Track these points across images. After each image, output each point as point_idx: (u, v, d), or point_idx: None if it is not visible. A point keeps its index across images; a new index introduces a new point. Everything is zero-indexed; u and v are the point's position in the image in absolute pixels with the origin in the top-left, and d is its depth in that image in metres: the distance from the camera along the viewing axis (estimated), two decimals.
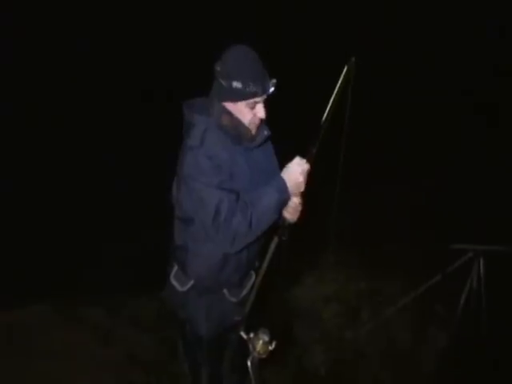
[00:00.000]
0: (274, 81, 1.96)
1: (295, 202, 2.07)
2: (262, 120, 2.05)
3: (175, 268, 2.23)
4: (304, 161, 1.99)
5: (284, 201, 1.99)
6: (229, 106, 2.00)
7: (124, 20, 6.95)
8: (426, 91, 7.19)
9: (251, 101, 1.97)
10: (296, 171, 1.98)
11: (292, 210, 2.08)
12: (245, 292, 2.28)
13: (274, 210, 1.96)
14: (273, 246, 2.07)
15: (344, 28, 7.59)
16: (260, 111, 2.01)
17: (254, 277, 2.30)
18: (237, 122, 2.01)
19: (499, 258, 3.18)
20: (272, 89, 1.96)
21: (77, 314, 3.75)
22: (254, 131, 2.07)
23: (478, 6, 7.30)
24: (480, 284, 3.17)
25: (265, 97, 1.98)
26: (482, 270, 3.16)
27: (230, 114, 2.01)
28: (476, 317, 3.18)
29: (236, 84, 1.92)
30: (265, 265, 2.07)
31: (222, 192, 1.91)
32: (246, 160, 2.06)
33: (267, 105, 2.04)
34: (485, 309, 3.15)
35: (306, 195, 2.08)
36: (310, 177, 2.01)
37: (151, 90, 6.59)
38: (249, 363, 2.04)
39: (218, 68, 1.97)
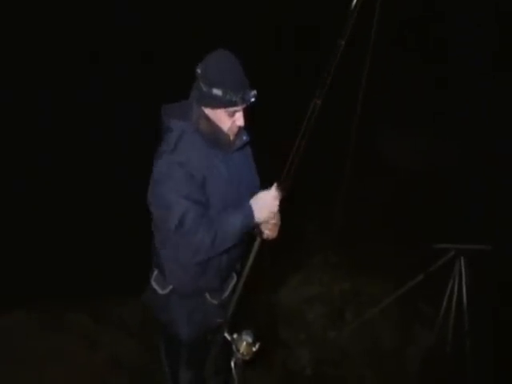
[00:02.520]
0: (255, 92, 1.97)
1: (275, 218, 2.09)
2: (240, 127, 2.06)
3: (155, 271, 2.26)
4: (275, 191, 2.00)
5: (249, 227, 2.01)
6: (208, 111, 2.01)
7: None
8: None
9: (231, 109, 1.98)
10: (265, 201, 2.00)
11: (272, 227, 2.11)
12: (226, 294, 2.29)
13: (237, 233, 1.99)
14: (256, 246, 2.08)
15: None
16: (239, 119, 2.02)
17: (235, 279, 2.32)
18: (215, 128, 2.02)
19: (481, 257, 3.23)
20: (252, 99, 1.97)
21: (62, 319, 3.72)
22: (232, 137, 2.08)
23: None
24: (462, 282, 3.21)
25: (244, 106, 1.99)
26: (463, 269, 3.20)
27: (208, 119, 2.01)
28: (458, 315, 3.21)
29: (216, 91, 1.93)
30: (247, 266, 2.08)
31: (189, 203, 1.92)
32: (224, 164, 2.07)
33: (247, 112, 2.04)
34: (467, 307, 3.18)
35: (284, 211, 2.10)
36: (283, 204, 2.02)
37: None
38: (232, 364, 2.05)
39: (199, 71, 1.98)
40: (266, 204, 2.00)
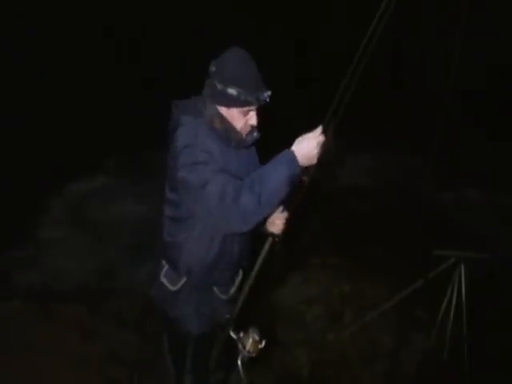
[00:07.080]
0: (269, 92, 1.96)
1: (281, 218, 2.12)
2: (253, 126, 2.07)
3: (166, 267, 2.23)
4: (319, 133, 1.89)
5: (294, 175, 1.90)
6: (221, 109, 2.01)
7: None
8: None
9: (245, 109, 1.98)
10: (309, 144, 1.89)
11: (276, 227, 2.15)
12: (234, 289, 2.31)
13: (283, 185, 1.87)
14: (266, 246, 2.09)
15: None
16: (252, 119, 2.03)
17: (241, 276, 2.34)
18: (228, 127, 2.02)
19: (480, 265, 3.25)
20: (267, 100, 1.96)
21: (59, 310, 3.71)
22: (244, 136, 2.08)
23: None
24: (461, 290, 3.23)
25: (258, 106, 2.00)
26: (463, 276, 3.22)
27: (222, 117, 2.02)
28: (456, 322, 3.23)
29: (231, 91, 1.93)
30: (257, 266, 2.09)
31: (225, 175, 1.89)
32: (234, 161, 2.08)
33: (260, 111, 2.04)
34: (465, 314, 3.20)
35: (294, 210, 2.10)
36: (325, 149, 1.90)
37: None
38: (239, 362, 2.06)
39: (213, 68, 1.98)
40: (309, 147, 1.88)
